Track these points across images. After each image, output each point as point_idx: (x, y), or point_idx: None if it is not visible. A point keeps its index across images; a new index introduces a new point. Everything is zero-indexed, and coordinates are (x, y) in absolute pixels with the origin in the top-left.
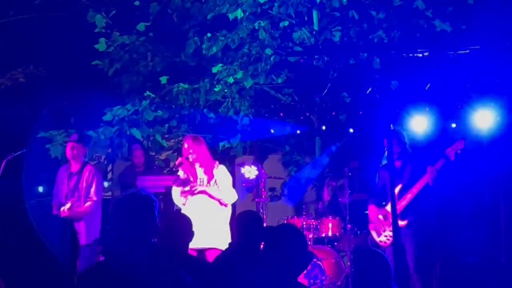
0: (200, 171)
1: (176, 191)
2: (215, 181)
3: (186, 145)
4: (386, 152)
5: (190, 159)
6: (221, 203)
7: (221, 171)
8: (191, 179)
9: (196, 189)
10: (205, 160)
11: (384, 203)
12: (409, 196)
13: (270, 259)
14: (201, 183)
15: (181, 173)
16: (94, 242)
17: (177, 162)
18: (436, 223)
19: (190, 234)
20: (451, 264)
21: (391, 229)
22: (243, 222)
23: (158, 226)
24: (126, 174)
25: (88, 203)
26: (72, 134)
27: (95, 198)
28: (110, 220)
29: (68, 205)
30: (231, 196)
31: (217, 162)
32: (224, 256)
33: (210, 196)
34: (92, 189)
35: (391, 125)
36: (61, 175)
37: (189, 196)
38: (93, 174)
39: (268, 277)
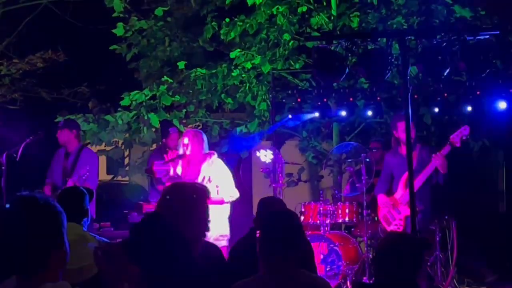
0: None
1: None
2: (205, 178)
3: (186, 140)
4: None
5: (187, 153)
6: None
7: (215, 167)
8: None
9: None
10: (198, 157)
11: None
12: (416, 184)
13: (264, 245)
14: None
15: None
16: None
17: (177, 154)
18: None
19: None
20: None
21: (400, 217)
22: (264, 208)
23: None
24: (156, 156)
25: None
26: (89, 118)
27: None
28: None
29: (73, 181)
30: (230, 193)
31: (210, 158)
32: (245, 240)
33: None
34: (91, 170)
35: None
36: (57, 156)
37: None
38: (91, 157)
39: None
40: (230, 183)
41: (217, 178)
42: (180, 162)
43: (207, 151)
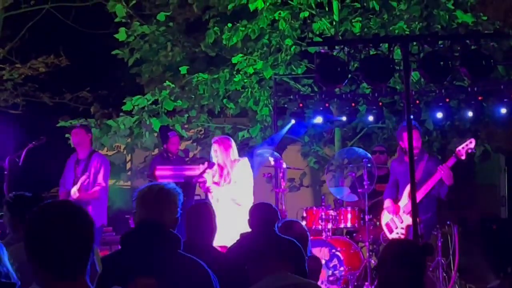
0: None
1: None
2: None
3: (215, 147)
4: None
5: (216, 162)
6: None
7: (237, 168)
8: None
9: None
10: (228, 164)
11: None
12: (420, 194)
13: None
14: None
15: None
16: (100, 228)
17: (210, 166)
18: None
19: (214, 227)
20: None
21: (402, 226)
22: (257, 214)
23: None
24: (158, 161)
25: (96, 188)
26: (91, 123)
27: (103, 184)
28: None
29: (76, 188)
30: (239, 195)
31: (237, 161)
32: (239, 247)
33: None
34: (100, 175)
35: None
36: (69, 164)
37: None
38: (101, 161)
39: None
40: (243, 185)
41: (234, 177)
42: (216, 169)
43: (235, 156)
